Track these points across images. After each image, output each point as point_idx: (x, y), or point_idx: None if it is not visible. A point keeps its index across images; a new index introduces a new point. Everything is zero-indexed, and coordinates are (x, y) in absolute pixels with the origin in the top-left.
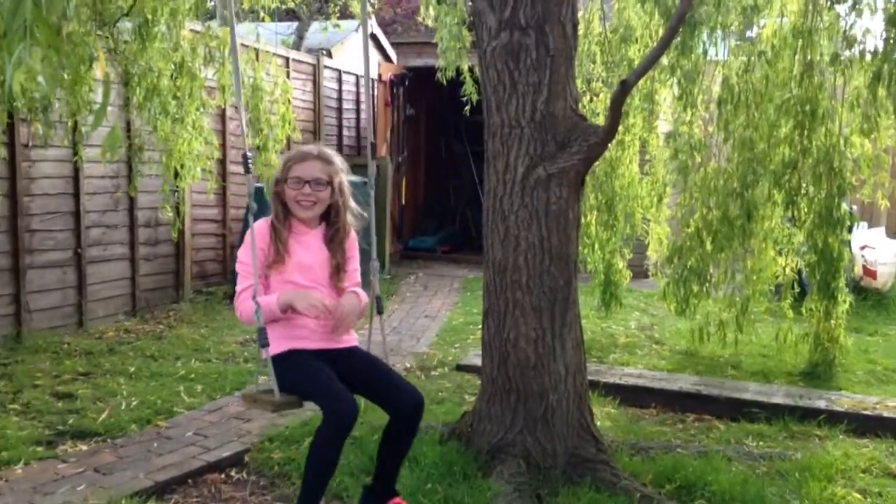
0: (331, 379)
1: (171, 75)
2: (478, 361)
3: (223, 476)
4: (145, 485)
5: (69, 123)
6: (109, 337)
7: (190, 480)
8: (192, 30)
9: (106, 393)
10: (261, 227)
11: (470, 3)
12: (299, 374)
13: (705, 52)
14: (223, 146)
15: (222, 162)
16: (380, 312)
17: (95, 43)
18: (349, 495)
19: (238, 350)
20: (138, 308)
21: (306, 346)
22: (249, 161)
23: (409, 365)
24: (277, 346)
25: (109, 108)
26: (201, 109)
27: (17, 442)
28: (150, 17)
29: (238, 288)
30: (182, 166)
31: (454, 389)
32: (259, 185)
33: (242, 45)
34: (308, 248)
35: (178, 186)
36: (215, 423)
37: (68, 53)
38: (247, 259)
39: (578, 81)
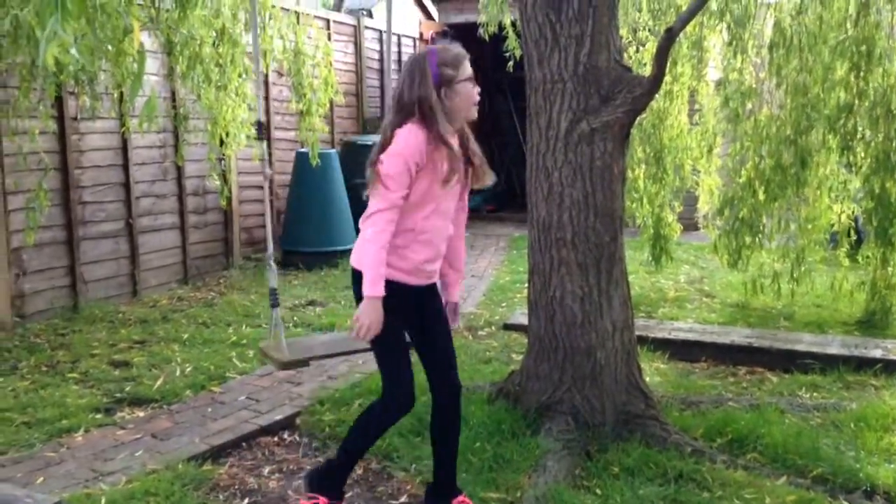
0: (404, 357)
1: (213, 42)
2: (525, 320)
3: (276, 439)
4: (201, 449)
5: (115, 95)
6: (163, 305)
7: (244, 444)
8: None
9: (161, 360)
10: (420, 136)
11: None
12: (386, 335)
13: None
14: (267, 112)
15: (267, 128)
16: None
17: (134, 12)
18: (399, 456)
19: (287, 315)
20: (190, 276)
21: (409, 281)
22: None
23: (455, 325)
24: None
25: (154, 78)
26: (244, 76)
27: (76, 410)
28: None
29: (376, 207)
30: (227, 134)
31: (501, 349)
32: (303, 150)
33: (283, 8)
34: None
35: (224, 154)
36: (267, 387)
37: (103, 24)
38: (399, 171)
39: (624, 31)
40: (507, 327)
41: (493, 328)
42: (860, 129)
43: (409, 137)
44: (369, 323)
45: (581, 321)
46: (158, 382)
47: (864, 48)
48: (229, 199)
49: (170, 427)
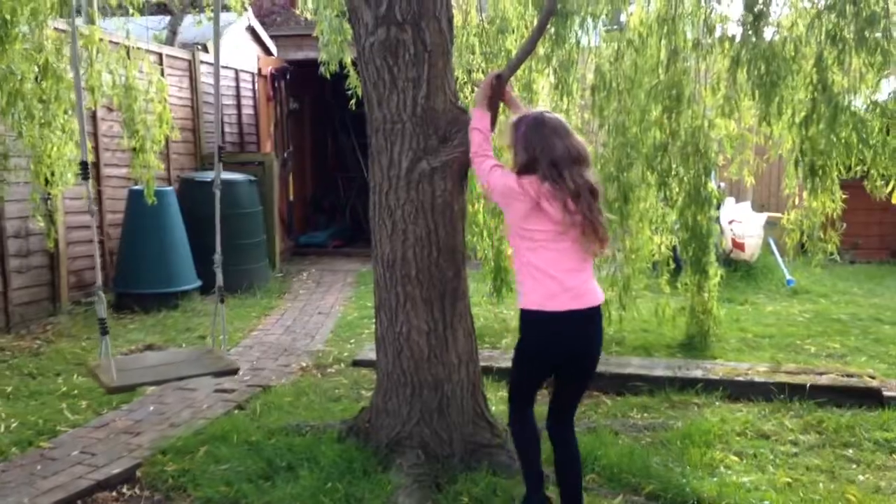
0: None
1: (36, 78)
2: (374, 356)
3: (114, 494)
4: None
5: None
6: None
7: (79, 501)
8: (56, 28)
9: None
10: None
11: None
12: (524, 363)
13: (578, 42)
14: (96, 149)
15: (96, 165)
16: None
17: None
18: (249, 502)
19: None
20: (12, 324)
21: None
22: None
23: (304, 364)
24: (528, 301)
25: None
26: (70, 112)
27: None
28: (8, 17)
29: None
30: (53, 172)
31: (351, 386)
32: (137, 188)
33: (112, 42)
34: None
35: (49, 193)
36: (102, 439)
37: None
38: None
39: (459, 72)
40: (357, 364)
41: (342, 365)
42: (674, 166)
43: None
44: None
45: (428, 355)
46: None
47: (674, 92)
48: (56, 241)
49: None
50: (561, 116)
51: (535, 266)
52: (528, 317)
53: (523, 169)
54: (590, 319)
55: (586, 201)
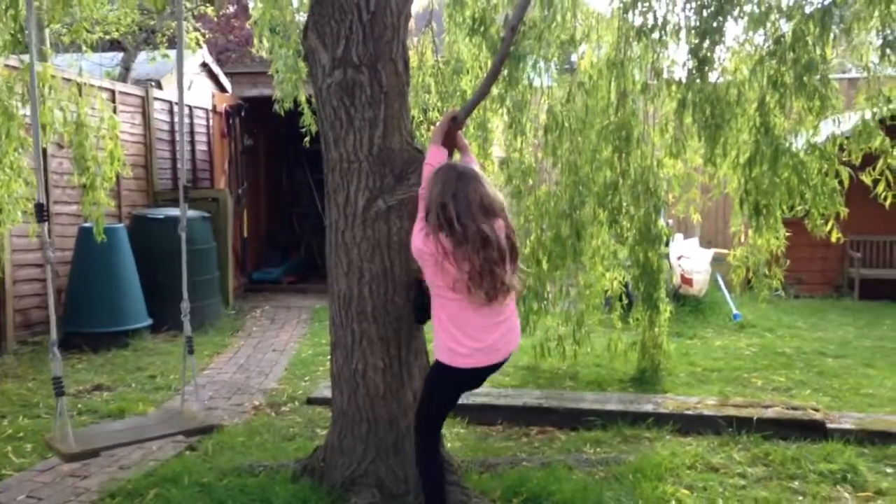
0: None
1: None
2: (329, 393)
3: None
4: None
5: None
6: None
7: None
8: (7, 66)
9: None
10: None
11: (303, 40)
12: (432, 397)
13: (531, 83)
14: (46, 186)
15: (45, 202)
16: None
17: None
18: None
19: (71, 402)
20: None
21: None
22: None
23: (258, 402)
24: (442, 355)
25: None
26: (20, 150)
27: None
28: None
29: None
30: (0, 210)
31: (305, 424)
32: (87, 225)
33: (64, 79)
34: None
35: None
36: (49, 483)
37: None
38: None
39: (415, 111)
40: (311, 401)
41: (297, 403)
42: (625, 204)
43: None
44: None
45: (384, 392)
46: None
47: (624, 132)
48: (2, 280)
49: None
50: (478, 169)
51: (448, 321)
52: (438, 366)
53: (425, 216)
54: (497, 368)
55: (476, 249)
